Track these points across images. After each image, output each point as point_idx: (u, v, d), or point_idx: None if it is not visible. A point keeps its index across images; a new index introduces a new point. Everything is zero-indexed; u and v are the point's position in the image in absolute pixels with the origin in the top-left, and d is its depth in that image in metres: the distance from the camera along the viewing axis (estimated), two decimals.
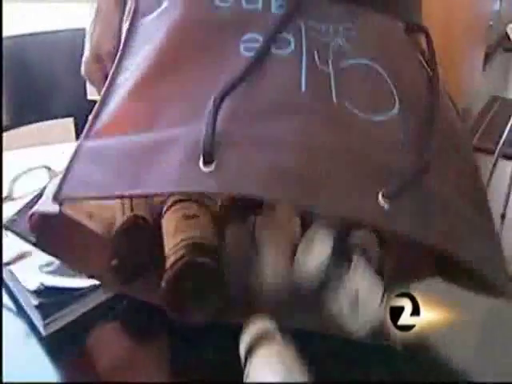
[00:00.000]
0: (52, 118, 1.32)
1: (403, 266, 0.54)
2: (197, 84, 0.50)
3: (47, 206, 0.47)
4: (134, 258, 0.55)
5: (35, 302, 0.53)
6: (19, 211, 0.66)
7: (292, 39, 0.51)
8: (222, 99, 0.46)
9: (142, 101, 0.50)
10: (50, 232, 0.53)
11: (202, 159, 0.43)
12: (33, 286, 0.55)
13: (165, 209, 0.58)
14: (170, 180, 0.44)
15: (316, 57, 0.50)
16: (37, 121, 1.30)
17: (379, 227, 0.47)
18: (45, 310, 0.53)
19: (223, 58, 0.50)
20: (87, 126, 0.51)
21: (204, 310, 0.52)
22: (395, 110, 0.49)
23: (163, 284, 0.50)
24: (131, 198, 0.56)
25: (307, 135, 0.46)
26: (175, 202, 0.57)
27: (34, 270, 0.58)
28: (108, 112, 0.50)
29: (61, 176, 0.47)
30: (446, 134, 0.51)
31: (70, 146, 0.48)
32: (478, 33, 2.86)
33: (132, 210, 0.56)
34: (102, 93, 0.52)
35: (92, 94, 0.70)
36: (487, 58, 3.26)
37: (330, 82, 0.49)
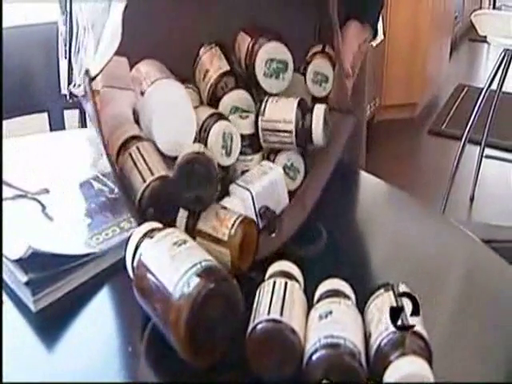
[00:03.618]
0: (26, 114, 1.31)
1: None
2: None
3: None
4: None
5: (24, 278, 0.51)
6: None
7: None
8: None
9: None
10: None
11: None
12: (20, 250, 0.52)
13: None
14: None
15: None
16: (10, 117, 1.29)
17: None
18: (33, 286, 0.51)
19: None
20: None
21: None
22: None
23: None
24: None
25: None
26: None
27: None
28: None
29: None
30: None
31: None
32: (444, 24, 2.91)
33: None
34: None
35: (65, 88, 0.70)
36: (453, 48, 3.32)
37: None
